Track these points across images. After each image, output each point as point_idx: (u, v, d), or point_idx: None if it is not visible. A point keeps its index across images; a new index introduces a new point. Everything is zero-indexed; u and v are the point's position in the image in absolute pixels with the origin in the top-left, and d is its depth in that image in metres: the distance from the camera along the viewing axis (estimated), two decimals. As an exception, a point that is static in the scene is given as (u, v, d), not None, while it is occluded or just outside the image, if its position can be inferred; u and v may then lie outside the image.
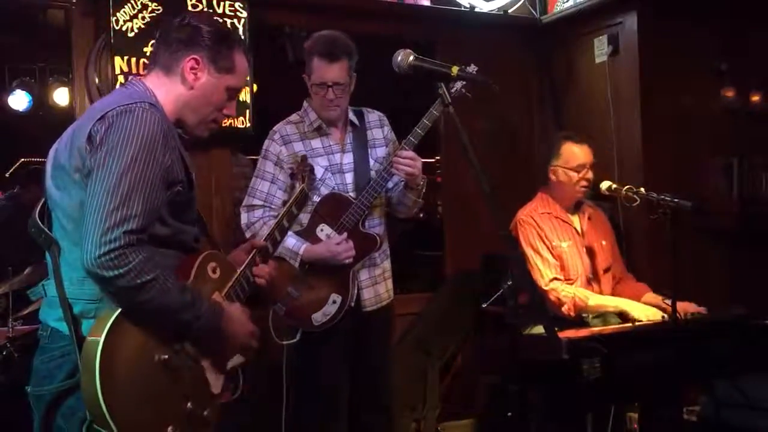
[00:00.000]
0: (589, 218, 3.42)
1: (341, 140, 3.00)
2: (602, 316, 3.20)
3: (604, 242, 3.41)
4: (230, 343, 1.95)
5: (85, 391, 1.69)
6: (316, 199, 2.88)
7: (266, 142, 3.00)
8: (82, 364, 1.71)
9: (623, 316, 3.13)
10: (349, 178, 2.94)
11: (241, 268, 2.07)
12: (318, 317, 2.85)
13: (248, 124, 3.79)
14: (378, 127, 3.07)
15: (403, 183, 2.96)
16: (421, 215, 7.46)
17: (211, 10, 3.68)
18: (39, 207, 1.91)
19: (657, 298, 3.21)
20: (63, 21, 3.76)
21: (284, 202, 2.89)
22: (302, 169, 2.51)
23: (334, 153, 2.97)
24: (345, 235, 2.84)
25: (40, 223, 1.89)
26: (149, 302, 1.73)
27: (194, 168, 2.02)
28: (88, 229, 1.70)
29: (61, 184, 1.85)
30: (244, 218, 2.95)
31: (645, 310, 3.09)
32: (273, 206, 2.90)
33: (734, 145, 4.31)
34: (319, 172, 2.89)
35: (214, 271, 1.98)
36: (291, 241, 2.81)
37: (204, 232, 2.10)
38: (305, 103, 3.02)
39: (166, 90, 1.96)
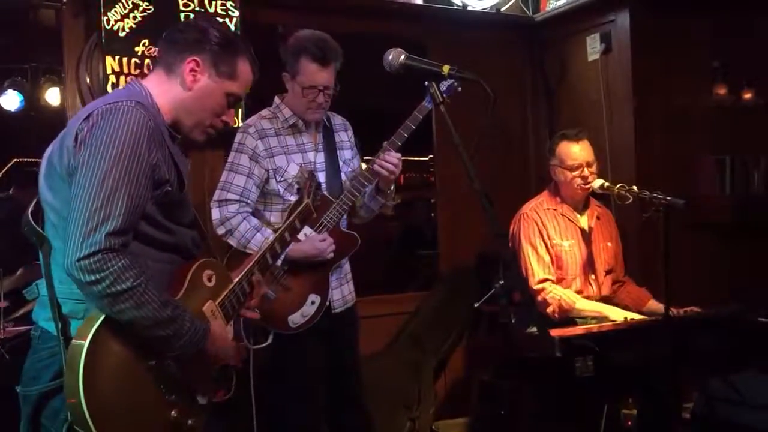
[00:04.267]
0: (597, 218, 3.42)
1: (314, 140, 2.98)
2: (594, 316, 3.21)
3: (609, 244, 3.41)
4: (213, 362, 1.93)
5: (68, 393, 1.67)
6: (292, 198, 2.83)
7: (239, 135, 2.91)
8: (66, 366, 1.69)
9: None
10: (321, 177, 2.92)
11: (237, 279, 2.03)
12: (296, 318, 2.80)
13: (240, 123, 3.77)
14: (343, 131, 3.07)
15: (371, 187, 2.94)
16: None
17: (202, 9, 3.67)
18: (32, 206, 1.90)
19: (660, 307, 3.18)
20: (54, 21, 3.74)
21: (261, 194, 2.87)
22: (309, 184, 2.43)
23: (308, 151, 2.94)
24: (325, 233, 2.82)
25: (32, 221, 1.87)
26: (122, 313, 1.69)
27: (188, 171, 1.99)
28: (71, 231, 1.68)
29: (52, 184, 1.84)
30: (216, 213, 2.85)
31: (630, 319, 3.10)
32: (249, 201, 2.85)
33: (727, 142, 4.32)
34: (293, 169, 2.86)
35: (209, 279, 1.95)
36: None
37: (202, 238, 2.07)
38: (277, 99, 2.98)
39: (165, 90, 1.94)
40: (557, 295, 3.19)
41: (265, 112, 2.98)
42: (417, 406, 4.03)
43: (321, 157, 2.96)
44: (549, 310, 3.19)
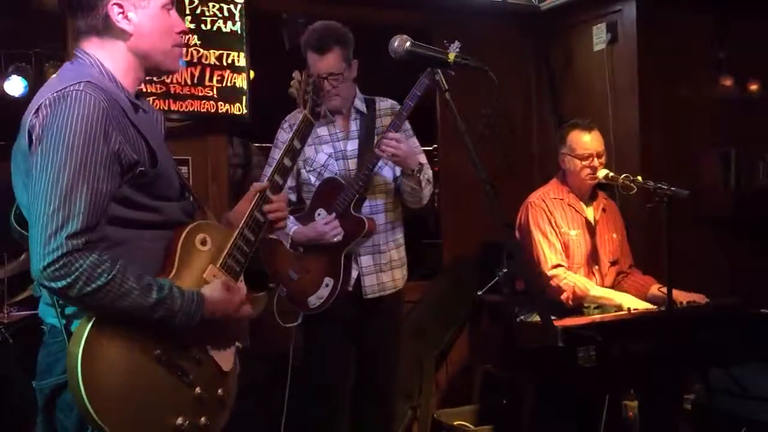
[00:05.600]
0: (603, 210, 3.41)
1: (345, 127, 3.00)
2: (601, 306, 3.21)
3: (615, 235, 3.41)
4: (226, 322, 1.81)
5: (75, 401, 1.60)
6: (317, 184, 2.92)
7: (279, 131, 3.01)
8: (67, 370, 1.61)
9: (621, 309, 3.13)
10: (353, 164, 2.94)
11: (237, 231, 1.88)
12: (313, 300, 2.87)
13: (245, 111, 3.78)
14: (389, 115, 3.04)
15: (401, 169, 2.95)
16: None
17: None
18: (15, 208, 1.76)
19: (663, 290, 3.19)
20: (58, 6, 3.73)
21: (290, 188, 2.92)
22: (304, 92, 2.19)
23: (339, 140, 2.98)
24: (333, 215, 2.84)
25: (17, 226, 1.75)
26: (108, 308, 1.60)
27: (161, 130, 1.87)
28: (33, 239, 1.57)
29: (18, 182, 1.72)
30: None
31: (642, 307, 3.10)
32: None
33: (731, 133, 4.31)
34: (322, 158, 2.93)
35: (203, 243, 1.81)
36: (288, 224, 2.82)
37: (195, 204, 1.94)
38: None
39: (109, 51, 1.75)
40: (571, 281, 3.18)
41: None
42: (418, 395, 4.04)
43: (353, 145, 2.97)
44: (563, 296, 3.18)
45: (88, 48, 1.77)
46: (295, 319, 2.94)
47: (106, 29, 1.74)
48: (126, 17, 1.74)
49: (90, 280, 1.56)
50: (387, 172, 3.00)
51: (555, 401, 2.97)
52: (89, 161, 1.59)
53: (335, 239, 2.83)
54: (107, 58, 1.75)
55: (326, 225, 2.82)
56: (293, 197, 2.98)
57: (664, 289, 3.16)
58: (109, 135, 1.63)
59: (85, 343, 1.59)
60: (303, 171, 2.95)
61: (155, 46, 1.79)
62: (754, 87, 4.41)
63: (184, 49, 3.59)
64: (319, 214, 2.89)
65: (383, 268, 3.00)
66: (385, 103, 3.06)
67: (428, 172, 2.96)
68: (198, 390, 1.75)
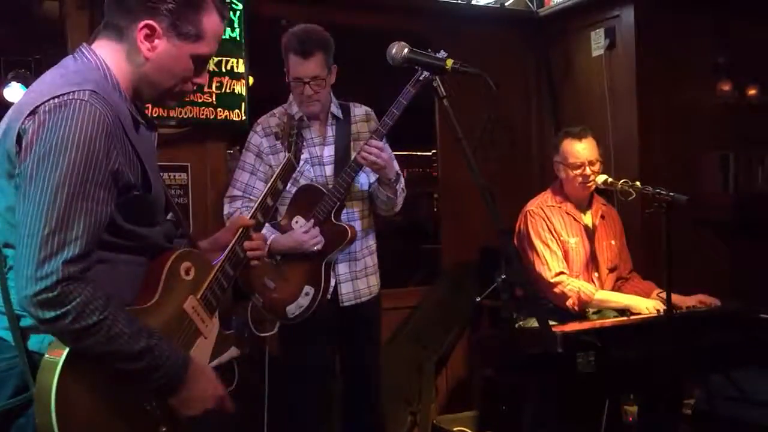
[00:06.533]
0: (602, 217, 3.41)
1: (322, 133, 2.99)
2: (601, 310, 3.21)
3: (613, 242, 3.40)
4: (194, 402, 1.67)
5: (38, 413, 1.49)
6: (294, 190, 2.88)
7: (250, 134, 3.01)
8: (37, 383, 1.49)
9: (627, 311, 3.13)
10: (329, 170, 2.93)
11: (219, 264, 1.85)
12: (292, 309, 2.84)
13: (244, 117, 3.78)
14: (364, 122, 3.06)
15: (377, 178, 2.94)
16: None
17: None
18: None
19: (663, 295, 3.17)
20: (58, 13, 3.74)
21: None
22: (288, 134, 2.22)
23: (315, 145, 2.96)
24: (312, 222, 2.82)
25: None
26: (92, 348, 1.47)
27: (154, 150, 1.77)
28: (21, 260, 1.43)
29: None
30: (226, 209, 2.98)
31: (650, 306, 3.09)
32: (252, 197, 2.89)
33: (731, 138, 4.32)
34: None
35: (187, 272, 1.75)
36: (264, 232, 2.80)
37: (178, 226, 1.87)
38: (291, 96, 3.02)
39: (119, 59, 1.63)
40: (575, 287, 3.18)
41: (277, 109, 3.06)
42: (418, 401, 4.04)
43: (329, 151, 2.96)
44: (569, 303, 3.18)
45: (98, 48, 1.64)
46: (272, 328, 2.90)
47: (128, 39, 1.63)
48: (151, 41, 1.62)
49: (82, 316, 1.44)
50: (363, 178, 3.00)
51: (555, 407, 2.96)
52: (90, 181, 1.46)
53: (315, 248, 2.81)
54: (115, 65, 1.63)
55: (305, 233, 2.80)
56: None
57: (664, 295, 3.17)
58: (110, 153, 1.51)
59: (60, 374, 1.46)
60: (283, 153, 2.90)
61: (159, 83, 1.68)
62: (752, 91, 4.42)
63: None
64: (296, 222, 2.86)
65: (359, 275, 3.00)
66: (359, 110, 3.07)
67: (402, 181, 2.99)
68: (164, 429, 1.66)
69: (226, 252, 1.88)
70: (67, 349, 1.49)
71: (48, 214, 1.43)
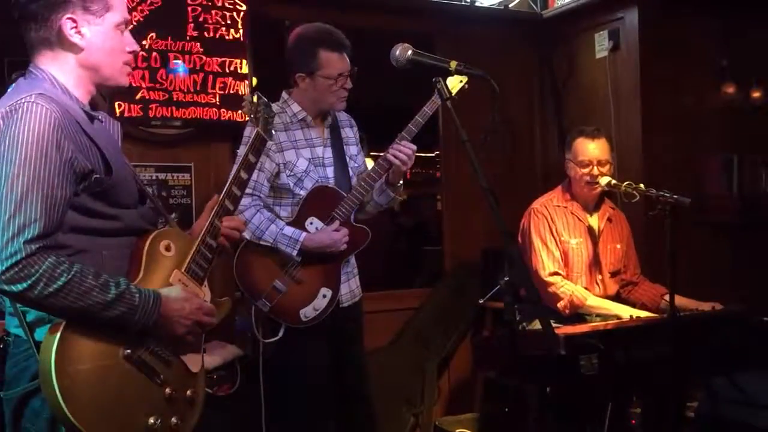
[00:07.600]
0: (609, 220, 3.39)
1: (321, 134, 2.98)
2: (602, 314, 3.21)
3: (618, 246, 3.39)
4: (181, 325, 1.81)
5: (48, 401, 1.63)
6: (302, 192, 2.85)
7: (248, 129, 2.85)
8: (40, 375, 1.64)
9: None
10: (330, 171, 2.93)
11: (200, 237, 1.94)
12: (308, 312, 2.80)
13: (247, 118, 3.77)
14: (348, 127, 3.07)
15: (381, 181, 2.93)
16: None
17: (210, 3, 3.67)
18: None
19: (682, 302, 3.09)
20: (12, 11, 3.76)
21: (270, 188, 2.85)
22: (255, 109, 2.24)
23: (317, 146, 2.94)
24: (337, 223, 2.82)
25: None
26: (70, 308, 1.62)
27: (119, 139, 1.92)
28: None
29: None
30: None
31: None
32: (261, 195, 2.85)
33: (734, 141, 4.31)
34: (303, 164, 2.87)
35: (167, 249, 1.87)
36: (289, 229, 2.78)
37: (155, 210, 2.01)
38: (284, 94, 2.98)
39: (60, 63, 1.80)
40: (569, 290, 3.18)
41: (273, 106, 2.98)
42: (420, 402, 4.04)
43: (329, 152, 2.96)
44: (560, 305, 3.17)
45: (40, 63, 1.81)
46: (276, 334, 2.81)
47: (59, 42, 1.78)
48: (79, 32, 1.78)
49: (50, 281, 1.59)
50: (354, 179, 3.00)
51: (557, 409, 2.96)
52: (42, 170, 1.63)
53: (343, 248, 2.82)
54: (59, 72, 1.80)
55: (337, 233, 2.80)
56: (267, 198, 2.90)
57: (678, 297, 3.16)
58: (61, 144, 1.66)
59: (57, 348, 1.62)
60: (283, 175, 2.85)
61: (105, 62, 1.83)
62: (756, 93, 4.41)
63: (182, 59, 3.62)
64: (311, 223, 2.84)
65: (350, 276, 3.00)
66: (342, 115, 3.07)
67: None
68: (168, 390, 1.78)
69: (205, 225, 1.98)
70: (60, 329, 1.63)
71: (6, 202, 1.60)
